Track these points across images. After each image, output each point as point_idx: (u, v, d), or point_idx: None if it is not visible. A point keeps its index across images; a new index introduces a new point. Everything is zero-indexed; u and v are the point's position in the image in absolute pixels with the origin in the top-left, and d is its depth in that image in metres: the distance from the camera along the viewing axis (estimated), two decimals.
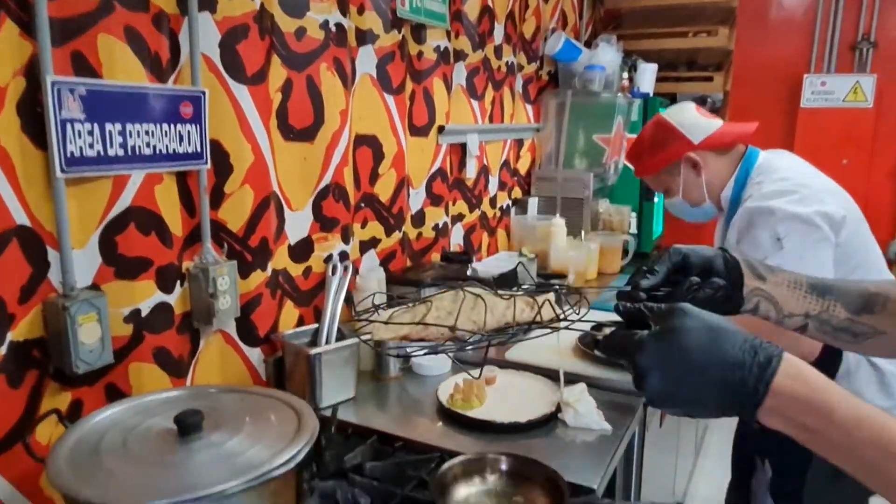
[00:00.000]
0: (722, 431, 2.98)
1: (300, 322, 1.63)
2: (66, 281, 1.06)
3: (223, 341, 1.41)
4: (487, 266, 2.38)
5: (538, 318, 0.90)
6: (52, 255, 1.05)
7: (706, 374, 0.60)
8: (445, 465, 1.14)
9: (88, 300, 1.06)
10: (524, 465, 1.16)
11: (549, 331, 0.93)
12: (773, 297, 0.87)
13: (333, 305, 1.59)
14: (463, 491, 1.14)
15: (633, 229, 2.94)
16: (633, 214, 2.96)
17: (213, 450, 0.88)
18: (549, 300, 0.94)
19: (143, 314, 1.19)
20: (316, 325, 1.59)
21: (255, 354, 1.49)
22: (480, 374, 1.12)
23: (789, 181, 1.49)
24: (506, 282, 2.24)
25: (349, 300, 1.71)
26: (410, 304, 0.98)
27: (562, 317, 0.92)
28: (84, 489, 0.79)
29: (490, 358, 1.61)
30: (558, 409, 1.43)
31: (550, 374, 1.57)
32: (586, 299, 1.00)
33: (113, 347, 1.12)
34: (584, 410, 1.39)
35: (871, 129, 3.56)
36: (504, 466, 1.17)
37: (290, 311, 1.59)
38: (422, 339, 0.92)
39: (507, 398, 1.48)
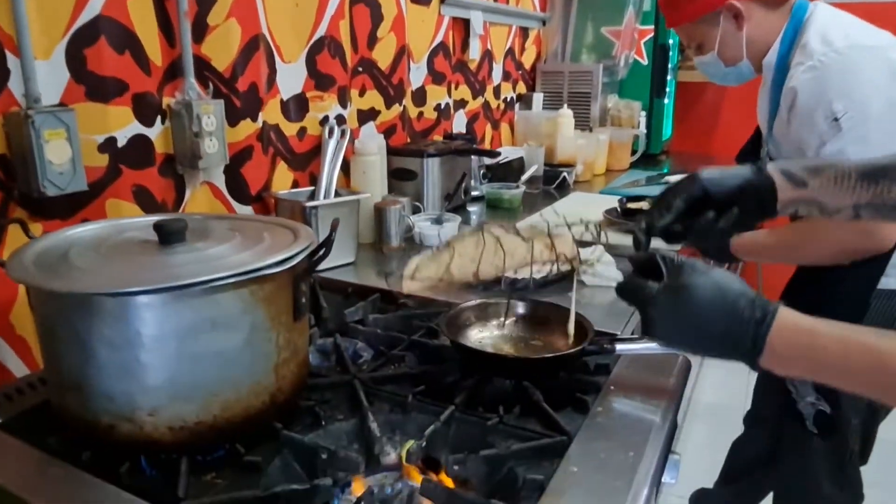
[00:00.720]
0: None
1: (295, 186, 1.51)
2: (28, 91, 0.93)
3: (211, 195, 1.29)
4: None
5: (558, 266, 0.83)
6: (13, 61, 0.92)
7: (710, 329, 0.65)
8: (458, 308, 1.05)
9: (55, 114, 0.93)
10: (543, 308, 1.07)
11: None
12: (816, 200, 0.83)
13: (330, 168, 1.47)
14: (477, 334, 1.05)
15: (643, 128, 2.80)
16: (643, 112, 2.82)
17: (198, 254, 0.77)
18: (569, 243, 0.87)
19: (120, 144, 1.07)
20: (312, 188, 1.47)
21: (246, 213, 1.37)
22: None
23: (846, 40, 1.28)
24: (512, 171, 2.13)
25: (346, 169, 1.59)
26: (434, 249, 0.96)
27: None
28: (51, 281, 0.69)
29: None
30: (574, 268, 1.34)
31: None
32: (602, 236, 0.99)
33: (88, 179, 1.00)
34: (602, 268, 1.29)
35: None
36: (521, 310, 1.07)
37: (283, 173, 1.47)
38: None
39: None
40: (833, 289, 1.27)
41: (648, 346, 0.93)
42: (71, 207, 1.01)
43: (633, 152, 2.70)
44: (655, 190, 2.15)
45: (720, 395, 2.65)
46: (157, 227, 0.79)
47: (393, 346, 1.05)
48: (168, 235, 0.79)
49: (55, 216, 0.99)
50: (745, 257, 1.30)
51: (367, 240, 1.57)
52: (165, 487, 0.69)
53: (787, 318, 0.63)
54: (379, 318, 1.15)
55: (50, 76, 0.96)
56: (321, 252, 0.82)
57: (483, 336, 1.05)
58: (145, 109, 1.10)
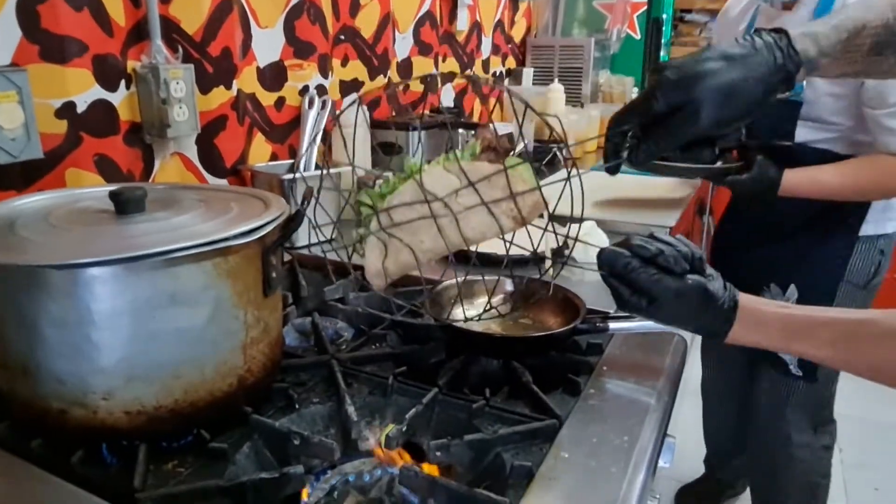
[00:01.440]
0: None
1: (273, 159, 1.44)
2: None
3: (182, 167, 1.22)
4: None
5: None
6: None
7: (689, 320, 0.72)
8: (442, 285, 0.99)
9: (4, 74, 0.86)
10: (532, 286, 1.01)
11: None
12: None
13: (310, 140, 1.41)
14: (462, 312, 0.99)
15: None
16: (636, 89, 2.76)
17: (158, 223, 0.71)
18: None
19: (80, 110, 0.99)
20: (291, 161, 1.41)
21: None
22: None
23: None
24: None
25: (325, 140, 1.52)
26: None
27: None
28: None
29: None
30: (565, 245, 1.28)
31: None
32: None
33: (45, 147, 0.93)
34: (595, 244, 1.24)
35: None
36: (510, 287, 1.02)
37: (261, 146, 1.40)
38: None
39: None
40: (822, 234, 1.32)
41: (643, 325, 0.88)
42: (26, 177, 0.94)
43: None
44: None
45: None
46: (114, 195, 0.73)
47: (374, 325, 0.99)
48: (125, 204, 0.72)
49: (9, 187, 0.92)
50: (797, 194, 1.27)
51: (349, 216, 1.50)
52: (121, 478, 0.63)
53: (749, 310, 0.70)
54: (360, 297, 1.09)
55: None
56: (293, 223, 0.75)
57: (469, 314, 0.99)
58: (107, 73, 1.03)
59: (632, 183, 1.81)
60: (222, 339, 0.69)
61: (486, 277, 1.02)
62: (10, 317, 0.65)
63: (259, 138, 1.39)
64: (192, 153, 1.23)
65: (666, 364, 0.89)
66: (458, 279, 1.01)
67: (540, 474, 0.65)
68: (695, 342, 2.47)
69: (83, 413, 0.65)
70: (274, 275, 0.75)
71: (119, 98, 1.06)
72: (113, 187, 0.74)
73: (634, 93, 2.75)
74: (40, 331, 0.63)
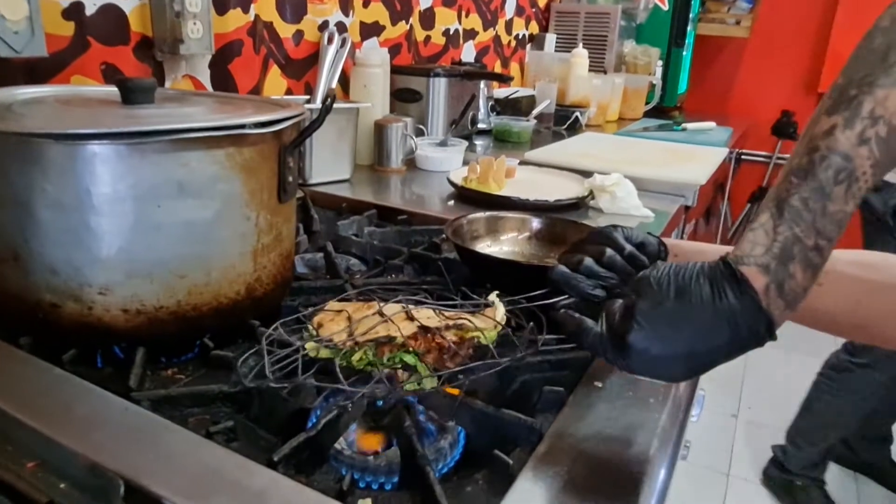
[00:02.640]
0: None
1: (288, 94, 1.37)
2: None
3: (194, 89, 1.16)
4: (501, 94, 2.12)
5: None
6: None
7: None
8: (465, 219, 0.93)
9: None
10: (560, 225, 0.95)
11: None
12: None
13: (328, 78, 1.34)
14: (486, 248, 0.93)
15: (659, 76, 2.66)
16: (661, 61, 2.68)
17: (168, 110, 0.65)
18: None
19: (88, 12, 0.93)
20: (307, 97, 1.34)
21: None
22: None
23: None
24: (521, 109, 2.00)
25: (345, 84, 1.46)
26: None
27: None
28: None
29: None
30: (591, 196, 1.22)
31: (579, 173, 1.35)
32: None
33: (50, 49, 0.87)
34: (623, 195, 1.18)
35: None
36: (537, 225, 0.96)
37: (276, 79, 1.34)
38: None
39: (530, 188, 1.26)
40: None
41: None
42: (29, 76, 0.88)
43: (646, 104, 2.57)
44: (671, 136, 2.03)
45: None
46: (120, 82, 0.67)
47: (390, 258, 0.93)
48: (132, 93, 0.67)
49: (9, 83, 0.86)
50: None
51: (364, 161, 1.45)
52: (115, 380, 0.58)
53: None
54: (375, 232, 1.04)
55: None
56: (313, 124, 0.69)
57: (492, 250, 0.93)
58: None
59: (657, 147, 1.75)
60: (232, 240, 0.64)
61: (512, 214, 0.97)
62: (0, 196, 0.59)
63: (275, 71, 1.33)
64: (205, 78, 1.17)
65: None
66: (482, 214, 0.95)
67: (572, 401, 0.60)
68: None
69: (77, 308, 0.60)
70: (290, 179, 0.69)
71: (130, 6, 0.99)
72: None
73: (659, 66, 2.67)
74: (34, 213, 0.57)
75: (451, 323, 0.59)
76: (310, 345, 0.60)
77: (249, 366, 0.63)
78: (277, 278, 0.70)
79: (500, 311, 0.62)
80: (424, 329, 0.58)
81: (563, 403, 0.59)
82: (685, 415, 0.62)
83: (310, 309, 0.68)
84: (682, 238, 1.51)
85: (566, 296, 0.58)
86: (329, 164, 1.26)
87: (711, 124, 2.25)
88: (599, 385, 0.63)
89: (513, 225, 0.96)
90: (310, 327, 0.65)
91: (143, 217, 0.58)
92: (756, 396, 2.48)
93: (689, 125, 2.17)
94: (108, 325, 0.60)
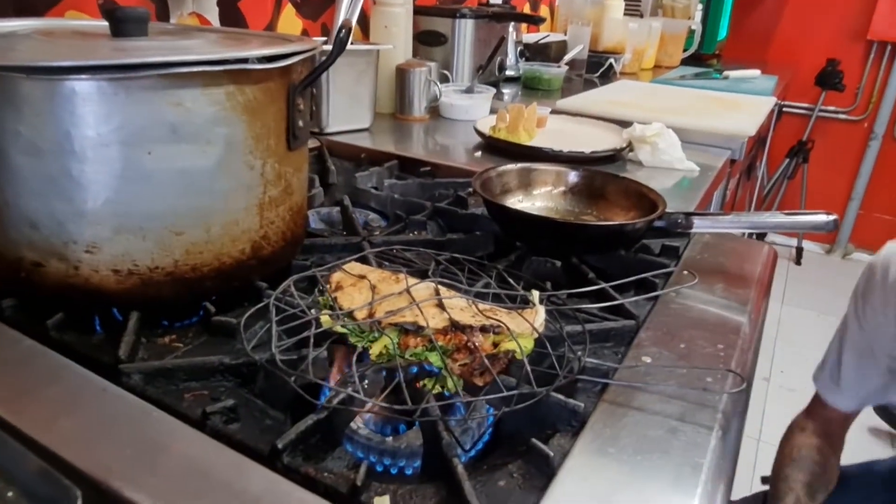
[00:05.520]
0: None
1: (304, 35, 1.28)
2: None
3: None
4: (530, 39, 2.00)
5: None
6: None
7: None
8: (495, 171, 0.85)
9: None
10: (600, 178, 0.87)
11: None
12: None
13: (347, 15, 1.24)
14: (517, 203, 0.85)
15: (698, 20, 2.50)
16: (700, 5, 2.52)
17: (162, 44, 0.57)
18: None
19: None
20: (323, 39, 1.25)
21: None
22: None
23: None
24: (552, 55, 1.88)
25: (365, 27, 1.36)
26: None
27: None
28: None
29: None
30: (630, 147, 1.13)
31: (616, 123, 1.25)
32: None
33: None
34: (665, 146, 1.08)
35: None
36: (573, 179, 0.87)
37: (290, 19, 1.25)
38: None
39: (563, 139, 1.16)
40: None
41: (737, 222, 0.74)
42: (19, 9, 0.80)
43: (684, 51, 2.42)
44: (712, 84, 1.90)
45: None
46: (109, 12, 0.59)
47: (412, 213, 0.86)
48: (122, 24, 0.59)
49: None
50: None
51: (385, 109, 1.36)
52: (105, 348, 0.52)
53: None
54: (396, 184, 0.96)
55: None
56: (327, 61, 0.61)
57: (525, 206, 0.85)
58: None
59: (699, 96, 1.63)
60: (234, 191, 0.56)
61: (547, 167, 0.88)
62: None
63: (289, 10, 1.24)
64: (213, 15, 1.08)
65: (757, 272, 0.75)
66: (513, 166, 0.87)
67: (619, 377, 0.53)
68: None
69: (62, 268, 0.53)
70: (301, 123, 0.61)
71: None
72: None
73: (699, 10, 2.51)
74: (8, 159, 0.50)
75: (486, 323, 0.51)
76: (325, 318, 0.53)
77: (255, 332, 0.57)
78: (287, 235, 0.63)
79: (540, 317, 0.54)
80: (456, 325, 0.50)
81: (609, 377, 0.52)
82: (747, 396, 0.55)
83: (325, 267, 0.61)
84: (725, 194, 1.41)
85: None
86: (347, 111, 1.17)
87: (756, 72, 2.11)
88: (648, 360, 0.56)
89: (547, 178, 0.87)
90: (326, 288, 0.58)
91: (132, 164, 0.51)
92: (788, 360, 2.40)
93: (732, 73, 2.04)
94: (97, 287, 0.54)
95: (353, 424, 0.50)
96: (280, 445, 0.41)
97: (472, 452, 0.48)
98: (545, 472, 0.43)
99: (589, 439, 0.45)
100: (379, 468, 0.47)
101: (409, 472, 0.48)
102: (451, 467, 0.41)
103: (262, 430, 0.46)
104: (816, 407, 0.95)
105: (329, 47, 1.03)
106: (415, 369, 0.52)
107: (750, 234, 2.64)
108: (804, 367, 2.27)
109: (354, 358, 0.48)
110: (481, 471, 0.44)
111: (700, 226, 0.74)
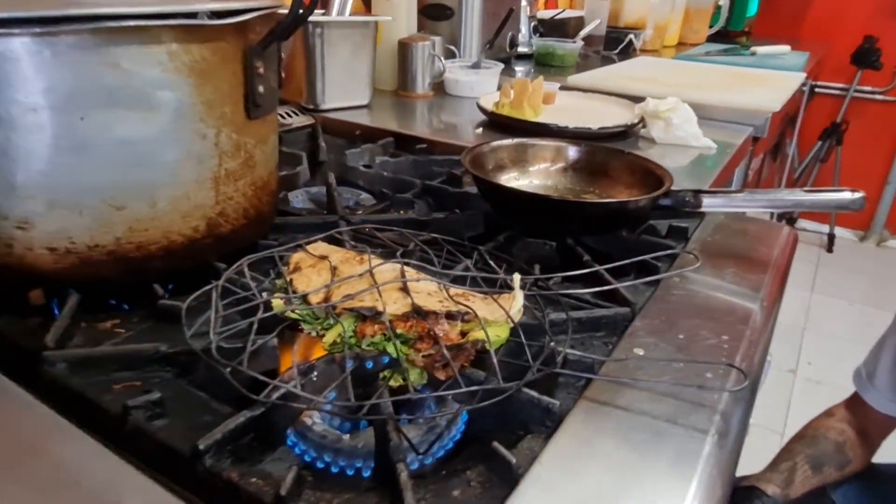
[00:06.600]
0: None
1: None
2: None
3: None
4: (546, 15, 1.92)
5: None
6: None
7: None
8: (488, 146, 0.79)
9: None
10: (602, 154, 0.80)
11: None
12: None
13: None
14: (512, 180, 0.79)
15: None
16: None
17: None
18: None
19: None
20: (322, 12, 1.19)
21: None
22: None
23: None
24: (568, 31, 1.79)
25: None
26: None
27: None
28: None
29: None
30: (642, 123, 1.05)
31: (629, 99, 1.17)
32: None
33: None
34: (679, 122, 1.01)
35: None
36: (573, 154, 0.81)
37: None
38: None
39: (571, 115, 1.09)
40: None
41: (750, 201, 0.67)
42: None
43: (710, 27, 2.31)
44: (738, 60, 1.80)
45: None
46: None
47: (401, 191, 0.80)
48: None
49: None
50: None
51: (387, 86, 1.30)
52: (37, 333, 0.47)
53: None
54: (388, 162, 0.90)
55: None
56: (296, 20, 0.55)
57: (520, 184, 0.79)
58: None
59: (722, 71, 1.54)
60: (183, 162, 0.51)
61: (545, 142, 0.82)
62: None
63: None
64: None
65: (774, 257, 0.68)
66: (508, 141, 0.80)
67: (605, 371, 0.47)
68: None
69: None
70: (261, 89, 0.55)
71: None
72: None
73: None
74: None
75: (453, 309, 0.45)
76: (276, 302, 0.48)
77: (207, 319, 0.52)
78: (250, 213, 0.58)
79: (517, 303, 0.48)
80: (419, 311, 0.45)
81: (594, 373, 0.46)
82: (752, 394, 0.49)
83: (285, 246, 0.56)
84: (746, 175, 1.33)
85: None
86: (343, 87, 1.12)
87: (785, 48, 2.00)
88: (641, 353, 0.49)
89: (545, 154, 0.81)
90: (283, 270, 0.53)
91: (64, 132, 0.46)
92: (817, 351, 2.30)
93: (760, 48, 1.93)
94: (31, 267, 0.49)
95: (307, 419, 0.45)
96: (202, 446, 0.36)
97: (432, 458, 0.42)
98: (508, 480, 0.37)
99: (562, 443, 0.40)
100: (334, 469, 0.42)
101: (366, 473, 0.42)
102: (395, 473, 0.36)
103: (196, 427, 0.41)
104: (855, 400, 0.88)
105: (321, 19, 0.96)
106: (370, 363, 0.46)
107: (779, 219, 2.53)
108: (833, 358, 2.17)
109: (297, 347, 0.43)
110: (437, 478, 0.39)
111: (710, 204, 0.67)
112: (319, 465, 0.41)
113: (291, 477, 0.35)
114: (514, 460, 0.37)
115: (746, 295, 0.60)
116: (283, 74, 0.61)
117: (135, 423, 0.38)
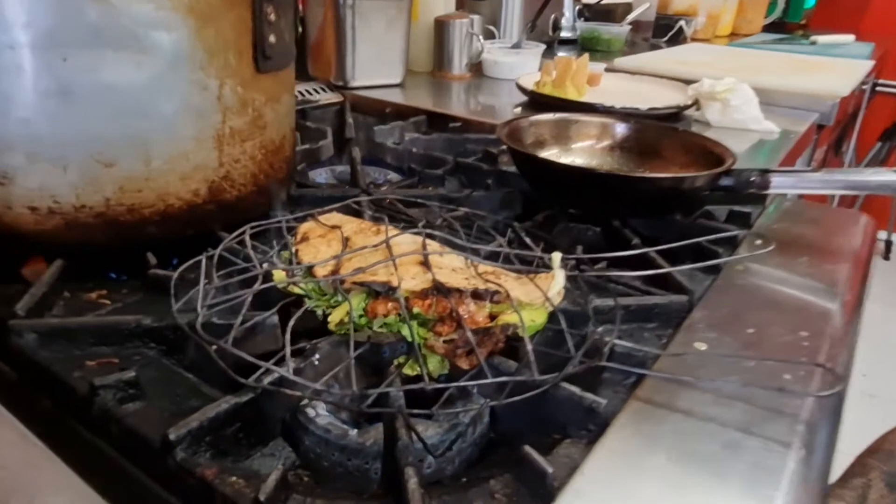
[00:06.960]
0: None
1: None
2: None
3: None
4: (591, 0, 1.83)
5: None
6: None
7: None
8: (526, 120, 0.71)
9: None
10: (653, 131, 0.72)
11: None
12: None
13: None
14: (553, 157, 0.72)
15: None
16: None
17: None
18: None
19: None
20: None
21: None
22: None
23: None
24: (614, 18, 1.71)
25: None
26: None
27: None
28: None
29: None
30: (696, 105, 0.97)
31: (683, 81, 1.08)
32: None
33: None
34: (738, 103, 0.92)
35: None
36: (622, 131, 0.73)
37: None
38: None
39: (617, 97, 1.01)
40: None
41: (829, 181, 0.58)
42: None
43: (766, 17, 2.19)
44: (797, 49, 1.69)
45: None
46: None
47: (432, 167, 0.73)
48: None
49: None
50: None
51: (422, 67, 1.24)
52: (15, 299, 0.42)
53: None
54: (419, 139, 0.84)
55: None
56: None
57: (566, 161, 0.72)
58: None
59: (782, 58, 1.43)
60: (180, 116, 0.45)
61: (590, 118, 0.74)
62: None
63: None
64: None
65: (853, 247, 0.59)
66: (549, 116, 0.73)
67: (660, 368, 0.39)
68: None
69: None
70: (272, 38, 0.49)
71: None
72: None
73: None
74: None
75: (481, 287, 0.39)
76: (278, 274, 0.42)
77: (195, 291, 0.46)
78: (260, 179, 0.52)
79: (557, 283, 0.41)
80: (440, 288, 0.38)
81: (645, 367, 0.39)
82: (841, 402, 0.41)
83: (295, 215, 0.50)
84: (809, 165, 1.22)
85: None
86: (375, 63, 1.05)
87: (849, 37, 1.88)
88: (703, 347, 0.42)
89: (590, 131, 0.73)
90: (290, 240, 0.47)
91: (45, 74, 0.41)
92: (871, 363, 2.16)
93: (821, 38, 1.81)
94: (10, 228, 0.44)
95: (309, 410, 0.38)
96: (173, 436, 0.30)
97: (450, 461, 0.36)
98: (540, 493, 0.30)
99: (608, 451, 0.32)
100: (339, 469, 0.35)
101: (375, 475, 0.36)
102: (401, 479, 0.29)
103: (178, 414, 0.35)
104: None
105: None
106: (386, 351, 0.40)
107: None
108: (890, 371, 2.04)
109: (290, 325, 0.37)
110: (454, 486, 0.32)
111: (780, 184, 0.59)
112: (325, 463, 0.35)
113: (274, 479, 0.28)
114: (549, 469, 0.30)
115: (823, 288, 0.52)
116: (300, 29, 0.56)
117: (102, 405, 0.33)
